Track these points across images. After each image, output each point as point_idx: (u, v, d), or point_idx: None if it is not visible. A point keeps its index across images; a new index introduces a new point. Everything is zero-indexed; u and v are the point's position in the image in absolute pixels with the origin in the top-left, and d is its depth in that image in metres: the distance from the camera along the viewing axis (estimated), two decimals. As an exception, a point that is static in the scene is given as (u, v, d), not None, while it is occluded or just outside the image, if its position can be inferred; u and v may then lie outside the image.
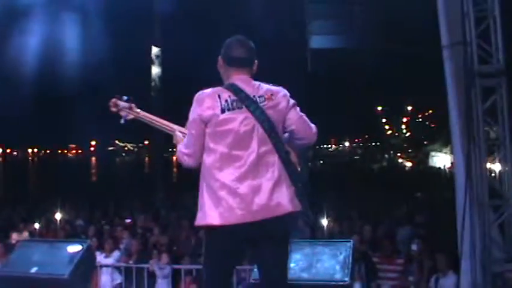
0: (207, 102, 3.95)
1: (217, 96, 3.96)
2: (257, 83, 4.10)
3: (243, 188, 3.88)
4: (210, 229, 3.93)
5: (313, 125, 4.17)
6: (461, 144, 7.80)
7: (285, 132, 4.11)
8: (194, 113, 3.99)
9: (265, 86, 4.09)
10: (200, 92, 4.03)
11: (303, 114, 4.12)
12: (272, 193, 3.92)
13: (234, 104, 3.95)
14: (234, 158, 3.91)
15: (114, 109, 4.74)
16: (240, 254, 4.24)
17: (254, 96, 4.00)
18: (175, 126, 4.53)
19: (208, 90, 4.03)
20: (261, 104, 3.98)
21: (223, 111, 3.92)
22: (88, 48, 19.01)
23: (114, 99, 4.74)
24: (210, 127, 3.93)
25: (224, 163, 3.91)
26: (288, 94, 4.12)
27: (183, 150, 4.06)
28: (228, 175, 3.89)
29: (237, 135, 3.92)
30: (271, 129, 3.98)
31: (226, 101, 3.94)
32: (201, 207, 3.96)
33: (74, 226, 13.64)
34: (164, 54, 22.78)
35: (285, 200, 3.96)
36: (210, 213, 3.89)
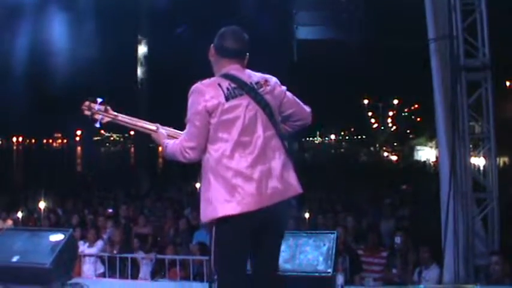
0: (209, 92, 3.89)
1: (217, 85, 3.92)
2: (248, 71, 4.10)
3: (256, 173, 3.86)
4: (225, 221, 3.82)
5: (306, 106, 4.25)
6: (446, 138, 7.81)
7: (282, 118, 4.13)
8: (197, 104, 3.88)
9: (257, 74, 4.11)
10: (197, 84, 3.95)
11: (295, 96, 4.19)
12: (282, 175, 3.95)
13: (236, 91, 3.92)
14: (244, 144, 3.88)
15: (87, 112, 4.50)
16: (250, 244, 4.01)
17: (251, 83, 4.00)
18: (156, 125, 4.42)
19: (207, 81, 3.98)
20: (259, 90, 3.99)
21: (227, 99, 3.88)
22: (74, 44, 18.88)
23: (87, 102, 4.51)
24: (216, 117, 3.86)
25: (235, 150, 3.86)
26: (278, 81, 4.16)
27: (186, 144, 3.93)
28: (240, 162, 3.85)
29: (244, 121, 3.89)
30: (271, 114, 4.00)
31: (227, 88, 3.91)
32: (211, 200, 3.86)
33: (59, 215, 13.57)
34: (151, 52, 22.67)
35: (293, 181, 4.02)
36: (225, 204, 3.80)
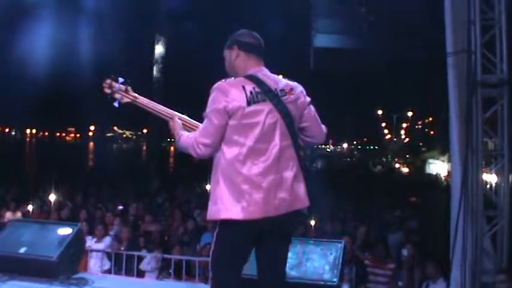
0: (233, 93, 3.83)
1: (241, 87, 3.86)
2: (274, 75, 4.05)
3: (266, 182, 3.82)
4: (229, 224, 3.82)
5: (323, 126, 4.20)
6: (459, 152, 7.76)
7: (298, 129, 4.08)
8: (218, 102, 3.83)
9: (283, 80, 4.06)
10: (222, 82, 3.91)
11: (316, 113, 4.14)
12: (292, 187, 3.91)
13: (259, 96, 3.87)
14: (259, 152, 3.83)
15: (107, 91, 4.52)
16: (252, 249, 4.05)
17: (276, 89, 3.95)
18: (173, 113, 4.39)
19: (232, 80, 3.95)
20: (283, 98, 3.94)
21: (249, 103, 3.83)
22: (90, 33, 18.95)
23: (108, 80, 4.52)
24: (235, 119, 3.82)
25: (248, 156, 3.82)
26: (304, 90, 4.11)
27: (200, 139, 3.89)
28: (252, 169, 3.81)
29: (263, 128, 3.84)
30: (291, 123, 3.95)
31: (251, 92, 3.86)
32: (216, 200, 3.85)
33: (69, 209, 13.60)
34: (168, 40, 22.61)
35: (302, 194, 3.97)
36: (230, 208, 3.78)
